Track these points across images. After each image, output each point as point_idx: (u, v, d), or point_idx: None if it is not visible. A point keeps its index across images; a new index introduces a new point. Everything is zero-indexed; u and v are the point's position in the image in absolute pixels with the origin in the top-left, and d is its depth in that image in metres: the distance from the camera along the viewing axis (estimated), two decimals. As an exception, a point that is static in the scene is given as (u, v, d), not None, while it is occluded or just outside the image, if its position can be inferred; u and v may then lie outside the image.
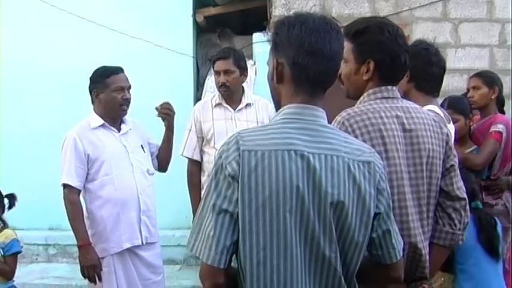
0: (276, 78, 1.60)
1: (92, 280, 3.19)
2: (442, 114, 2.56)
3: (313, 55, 1.52)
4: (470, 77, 3.81)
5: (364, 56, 1.98)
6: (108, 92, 3.29)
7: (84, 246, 3.18)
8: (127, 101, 3.33)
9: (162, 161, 3.63)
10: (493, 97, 3.62)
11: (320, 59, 1.52)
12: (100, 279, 3.19)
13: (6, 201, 3.50)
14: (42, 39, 6.08)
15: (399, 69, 2.00)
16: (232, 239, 1.47)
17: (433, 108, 2.53)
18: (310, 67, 1.52)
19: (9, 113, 6.04)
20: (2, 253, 3.38)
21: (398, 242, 1.64)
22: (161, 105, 3.47)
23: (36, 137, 5.94)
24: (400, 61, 1.97)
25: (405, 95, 2.44)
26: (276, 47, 1.59)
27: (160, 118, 3.49)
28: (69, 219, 3.21)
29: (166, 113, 3.47)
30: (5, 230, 3.48)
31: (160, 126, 3.55)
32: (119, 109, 3.33)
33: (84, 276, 3.20)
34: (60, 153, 3.31)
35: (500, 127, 3.47)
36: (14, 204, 3.54)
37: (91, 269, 3.15)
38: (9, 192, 3.54)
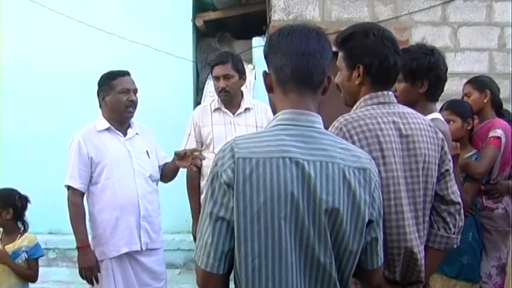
0: (267, 88, 1.65)
1: (89, 281, 3.22)
2: (445, 123, 2.57)
3: (289, 54, 1.57)
4: (464, 85, 3.83)
5: (353, 61, 2.00)
6: (114, 93, 3.30)
7: (83, 248, 3.21)
8: (133, 103, 3.34)
9: (166, 177, 3.60)
10: (485, 101, 3.61)
11: (295, 56, 1.56)
12: (97, 281, 3.21)
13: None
14: (42, 43, 6.11)
15: (389, 71, 2.01)
16: (230, 245, 1.48)
17: (438, 117, 2.53)
18: (287, 65, 1.56)
19: (10, 117, 6.06)
20: (27, 256, 3.50)
21: (381, 249, 1.66)
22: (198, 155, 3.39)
23: (36, 141, 5.96)
24: (389, 62, 1.98)
25: (413, 104, 2.44)
26: (266, 63, 1.65)
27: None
28: (70, 220, 3.24)
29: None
30: (26, 233, 3.56)
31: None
32: (124, 111, 3.33)
33: (82, 277, 3.23)
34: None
35: (498, 132, 3.46)
36: (26, 206, 3.60)
37: (88, 271, 3.19)
38: (23, 194, 3.60)
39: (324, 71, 1.60)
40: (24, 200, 3.58)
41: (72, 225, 3.23)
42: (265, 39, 5.71)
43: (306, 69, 1.57)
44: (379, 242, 1.64)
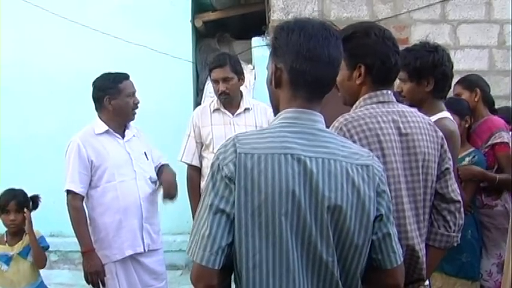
0: (274, 83, 1.60)
1: (95, 286, 3.21)
2: (455, 122, 2.56)
3: (311, 60, 1.52)
4: (453, 85, 3.82)
5: (354, 61, 1.99)
6: (123, 97, 3.31)
7: (88, 253, 3.20)
8: (137, 106, 3.38)
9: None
10: (475, 99, 3.60)
11: (318, 65, 1.53)
12: (104, 285, 3.21)
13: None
14: (42, 45, 6.10)
15: (390, 71, 2.01)
16: (227, 240, 1.46)
17: (447, 115, 2.52)
18: (308, 72, 1.53)
19: (9, 119, 6.05)
20: None
21: (398, 246, 1.63)
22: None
23: (36, 143, 5.96)
24: (391, 62, 1.98)
25: (420, 103, 2.45)
26: (275, 52, 1.60)
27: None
28: (72, 225, 3.23)
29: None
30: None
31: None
32: (130, 113, 3.37)
33: (88, 282, 3.23)
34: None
35: (505, 136, 3.44)
36: (37, 206, 3.58)
37: (95, 275, 3.18)
38: (34, 194, 3.58)
39: (337, 78, 1.61)
40: (37, 199, 3.57)
41: (74, 230, 3.23)
42: (266, 37, 5.69)
43: (325, 80, 1.56)
44: (393, 238, 1.60)
